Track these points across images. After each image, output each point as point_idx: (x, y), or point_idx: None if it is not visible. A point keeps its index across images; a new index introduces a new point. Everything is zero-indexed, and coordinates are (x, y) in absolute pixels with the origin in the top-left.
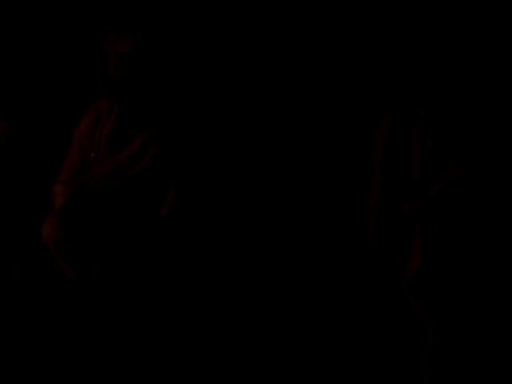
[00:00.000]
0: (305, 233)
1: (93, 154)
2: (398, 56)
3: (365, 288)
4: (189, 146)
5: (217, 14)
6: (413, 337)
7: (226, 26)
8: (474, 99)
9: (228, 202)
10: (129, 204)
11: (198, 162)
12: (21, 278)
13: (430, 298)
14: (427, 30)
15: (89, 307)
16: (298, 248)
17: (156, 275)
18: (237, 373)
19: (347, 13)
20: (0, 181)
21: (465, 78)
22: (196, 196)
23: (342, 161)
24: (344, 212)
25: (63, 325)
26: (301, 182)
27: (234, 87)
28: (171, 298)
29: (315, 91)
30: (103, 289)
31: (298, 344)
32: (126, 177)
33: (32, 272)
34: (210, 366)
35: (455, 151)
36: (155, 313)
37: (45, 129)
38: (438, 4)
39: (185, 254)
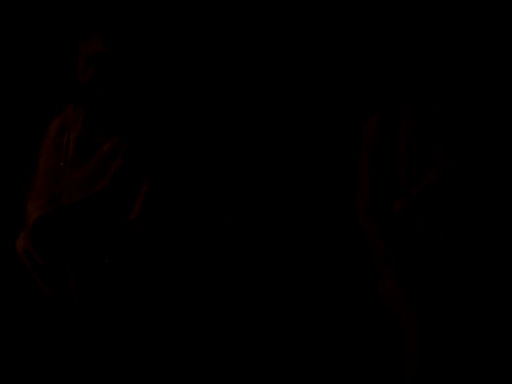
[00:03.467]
0: (287, 235)
1: (62, 163)
2: (387, 55)
3: (350, 288)
4: (161, 147)
5: (189, 10)
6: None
7: (197, 22)
8: (462, 102)
9: (207, 205)
10: (102, 211)
11: (171, 163)
12: None
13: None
14: (418, 31)
15: (68, 320)
16: (280, 251)
17: (135, 280)
18: (234, 373)
19: (339, 12)
20: None
21: (454, 82)
22: (168, 198)
23: (325, 160)
24: (327, 213)
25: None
26: (282, 182)
27: (208, 84)
28: (152, 302)
29: (299, 91)
30: (80, 301)
31: (292, 345)
32: (98, 186)
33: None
34: (202, 367)
35: (436, 154)
36: (137, 317)
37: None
38: (428, 4)
39: (162, 258)
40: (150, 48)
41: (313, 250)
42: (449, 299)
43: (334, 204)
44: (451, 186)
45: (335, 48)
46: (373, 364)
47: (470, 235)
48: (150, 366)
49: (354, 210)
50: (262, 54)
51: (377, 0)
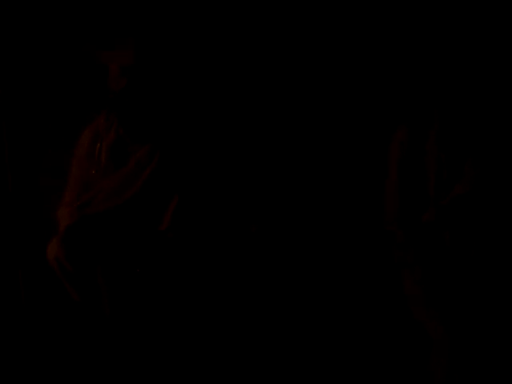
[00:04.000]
0: (310, 245)
1: (94, 171)
2: (415, 66)
3: (370, 300)
4: (191, 156)
5: (216, 24)
6: (418, 341)
7: (226, 36)
8: (490, 112)
9: (231, 214)
10: (132, 219)
11: (200, 173)
12: (27, 299)
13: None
14: (444, 45)
15: (95, 324)
16: (302, 260)
17: (162, 288)
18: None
19: (364, 23)
20: (5, 201)
21: (481, 94)
22: (198, 208)
23: (350, 172)
24: (352, 225)
25: (69, 341)
26: (307, 193)
27: (236, 96)
28: (178, 310)
29: (326, 99)
30: (110, 307)
31: (320, 353)
32: (129, 194)
33: (38, 293)
34: (215, 369)
35: (466, 163)
36: (163, 325)
37: (50, 145)
38: (455, 20)
39: (189, 266)
40: (180, 58)
41: (337, 260)
42: (475, 307)
43: (360, 212)
44: (481, 196)
45: (365, 63)
46: (398, 371)
47: (500, 246)
48: (179, 373)
49: (382, 218)
50: (294, 70)
51: (404, 17)
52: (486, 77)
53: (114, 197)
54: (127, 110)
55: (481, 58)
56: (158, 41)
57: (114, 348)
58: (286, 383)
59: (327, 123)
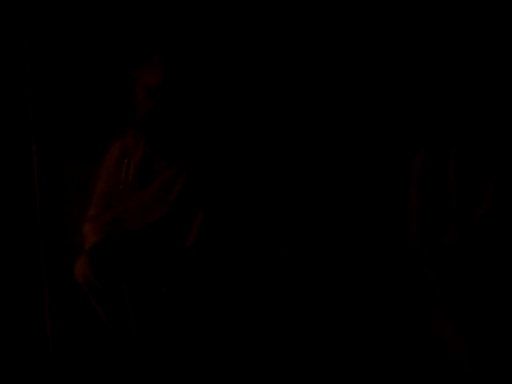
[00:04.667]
0: (342, 268)
1: (121, 187)
2: (433, 88)
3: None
4: (218, 175)
5: (246, 44)
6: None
7: (257, 59)
8: (507, 135)
9: (260, 236)
10: (160, 237)
11: (226, 192)
12: (52, 316)
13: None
14: (462, 67)
15: (122, 343)
16: (334, 284)
17: (187, 306)
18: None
19: (384, 43)
20: (32, 220)
21: (497, 112)
22: (223, 227)
23: (380, 194)
24: (380, 247)
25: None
26: (338, 216)
27: (266, 116)
28: (201, 328)
29: (352, 123)
30: (138, 327)
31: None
32: (158, 213)
33: (64, 310)
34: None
35: (488, 184)
36: (188, 343)
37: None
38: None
39: (215, 286)
40: (207, 78)
41: (366, 282)
42: (501, 327)
43: (385, 233)
44: (505, 217)
45: (387, 86)
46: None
47: None
48: None
49: (406, 239)
50: (325, 93)
51: (423, 37)
52: (504, 96)
53: (143, 215)
54: (154, 129)
55: (500, 77)
56: (187, 61)
57: (140, 366)
58: None
59: (353, 146)
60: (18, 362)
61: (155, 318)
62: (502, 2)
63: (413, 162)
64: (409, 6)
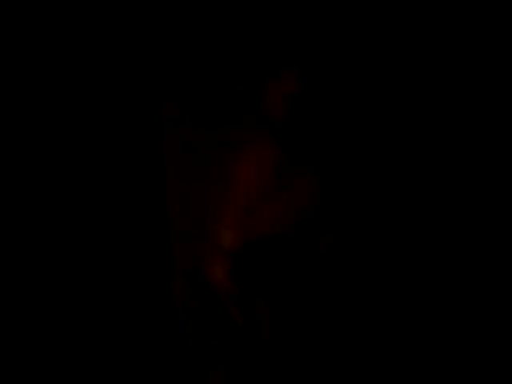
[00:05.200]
0: (389, 256)
1: (257, 195)
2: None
3: None
4: (356, 187)
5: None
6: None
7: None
8: None
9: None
10: (297, 243)
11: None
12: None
13: None
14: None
15: (255, 351)
16: (383, 272)
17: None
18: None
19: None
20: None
21: None
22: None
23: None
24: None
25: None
26: (387, 204)
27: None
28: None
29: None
30: (271, 334)
31: None
32: (296, 222)
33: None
34: None
35: None
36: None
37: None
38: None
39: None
40: (341, 85)
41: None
42: None
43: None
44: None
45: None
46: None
47: None
48: None
49: None
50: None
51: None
52: None
53: (281, 223)
54: (288, 137)
55: None
56: (323, 68)
57: (271, 372)
58: None
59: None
60: (150, 364)
61: (289, 319)
62: None
63: None
64: None
